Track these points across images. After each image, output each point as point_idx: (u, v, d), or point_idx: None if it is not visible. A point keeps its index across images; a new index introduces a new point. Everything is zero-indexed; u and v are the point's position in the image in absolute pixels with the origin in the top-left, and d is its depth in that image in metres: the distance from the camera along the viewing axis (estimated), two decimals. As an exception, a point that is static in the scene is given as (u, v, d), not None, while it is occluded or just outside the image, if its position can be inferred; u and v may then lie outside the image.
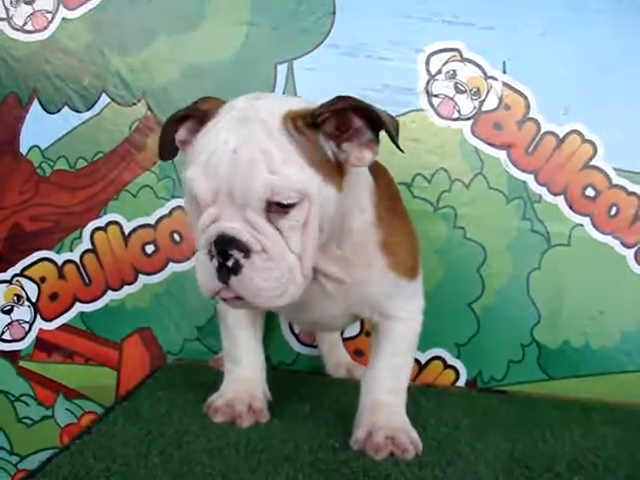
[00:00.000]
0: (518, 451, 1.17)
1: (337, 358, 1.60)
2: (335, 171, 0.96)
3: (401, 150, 0.97)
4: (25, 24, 1.65)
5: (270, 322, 1.50)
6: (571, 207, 1.64)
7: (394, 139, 0.97)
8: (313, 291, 1.05)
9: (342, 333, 1.65)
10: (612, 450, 1.23)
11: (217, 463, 1.01)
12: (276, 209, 0.91)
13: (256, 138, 0.91)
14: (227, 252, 0.90)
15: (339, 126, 0.96)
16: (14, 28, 1.65)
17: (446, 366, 1.67)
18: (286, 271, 0.92)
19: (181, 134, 1.03)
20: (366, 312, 1.17)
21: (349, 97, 0.96)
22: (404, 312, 1.17)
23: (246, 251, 0.90)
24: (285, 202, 0.90)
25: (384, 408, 1.14)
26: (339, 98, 0.97)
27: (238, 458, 1.03)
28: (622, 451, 1.23)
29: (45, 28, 1.65)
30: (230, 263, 0.90)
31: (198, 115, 1.00)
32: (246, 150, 0.90)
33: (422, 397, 1.44)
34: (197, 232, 0.94)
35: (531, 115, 1.64)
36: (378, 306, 1.16)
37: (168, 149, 1.05)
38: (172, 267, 1.66)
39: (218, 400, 1.17)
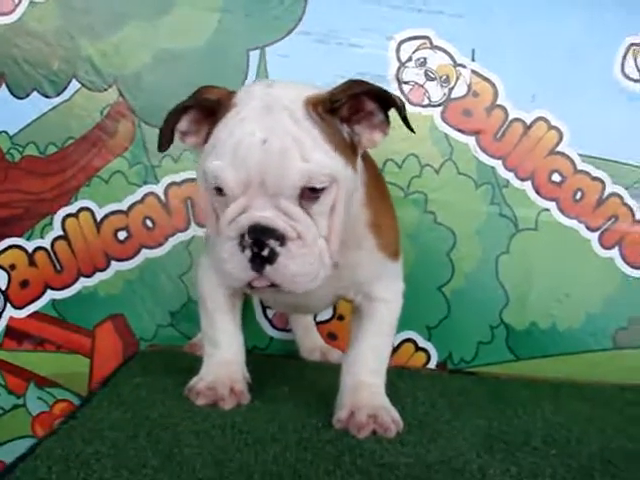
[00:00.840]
0: (494, 428, 1.21)
1: (311, 342, 1.62)
2: (351, 153, 0.99)
3: (412, 130, 1.01)
4: (-10, 7, 1.63)
5: (243, 307, 1.50)
6: (538, 192, 1.68)
7: (406, 119, 1.00)
8: None
9: (315, 317, 1.67)
10: (583, 425, 1.27)
11: (205, 444, 1.01)
12: (308, 195, 0.92)
13: (284, 126, 0.91)
14: (262, 241, 0.89)
15: (351, 109, 0.98)
16: (-20, 11, 1.62)
17: (417, 348, 1.70)
18: (317, 256, 0.94)
19: (183, 125, 1.03)
20: (351, 294, 1.19)
21: (362, 81, 1.00)
22: (387, 293, 1.19)
23: (282, 239, 0.90)
24: (319, 186, 0.91)
25: (366, 388, 1.15)
26: (353, 82, 0.99)
27: (225, 439, 1.04)
28: (592, 426, 1.27)
29: (12, 11, 1.62)
30: (266, 252, 0.90)
31: (207, 105, 1.00)
32: (276, 139, 0.90)
33: (397, 378, 1.46)
34: (221, 224, 0.94)
35: (499, 102, 1.68)
36: (364, 287, 1.17)
37: (167, 140, 1.03)
38: (145, 253, 1.66)
39: (199, 383, 1.18)
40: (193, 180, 1.64)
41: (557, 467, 1.05)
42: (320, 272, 0.95)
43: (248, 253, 0.90)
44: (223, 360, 1.21)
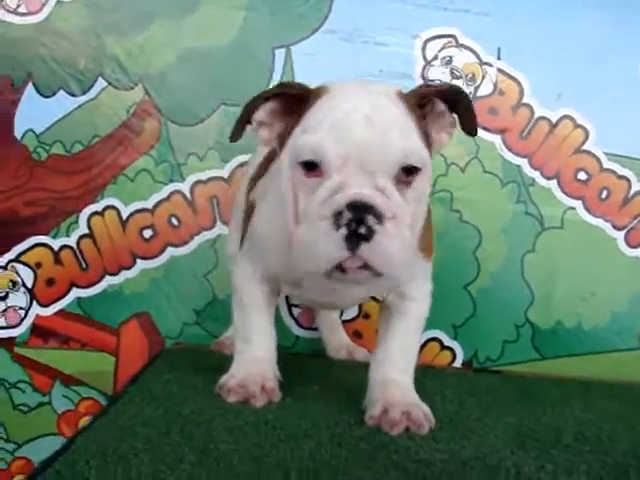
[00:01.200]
0: (525, 426, 1.20)
1: (338, 340, 1.61)
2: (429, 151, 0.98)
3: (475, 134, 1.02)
4: (18, 6, 1.63)
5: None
6: (564, 190, 1.68)
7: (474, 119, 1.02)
8: None
9: (341, 315, 1.67)
10: (613, 423, 1.26)
11: (240, 440, 1.01)
12: (401, 179, 0.91)
13: (386, 106, 0.92)
14: (361, 218, 0.86)
15: (428, 109, 1.00)
16: (7, 10, 1.63)
17: (443, 347, 1.69)
18: (409, 240, 0.92)
19: (260, 115, 1.01)
20: (384, 293, 1.18)
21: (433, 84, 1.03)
22: (418, 293, 1.18)
23: (380, 217, 0.87)
24: (416, 165, 0.91)
25: (397, 385, 1.15)
26: (426, 85, 1.06)
27: (259, 435, 1.04)
28: (622, 424, 1.26)
29: (39, 11, 1.63)
30: (363, 230, 0.86)
31: (296, 93, 0.99)
32: (379, 116, 0.90)
33: (423, 377, 1.46)
34: (312, 204, 0.90)
35: (525, 101, 1.67)
36: (399, 287, 1.16)
37: (241, 129, 1.02)
38: (170, 251, 1.66)
39: (230, 381, 1.17)
40: (219, 179, 1.65)
41: (592, 464, 1.04)
42: (409, 258, 0.93)
43: (344, 231, 0.86)
44: (255, 357, 1.20)
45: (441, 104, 1.00)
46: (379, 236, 0.87)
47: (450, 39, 1.66)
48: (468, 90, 1.66)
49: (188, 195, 1.66)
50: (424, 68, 1.66)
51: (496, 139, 1.67)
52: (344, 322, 1.67)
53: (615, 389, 1.51)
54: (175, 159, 1.65)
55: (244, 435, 1.04)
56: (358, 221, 0.86)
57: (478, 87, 1.67)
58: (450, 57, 1.66)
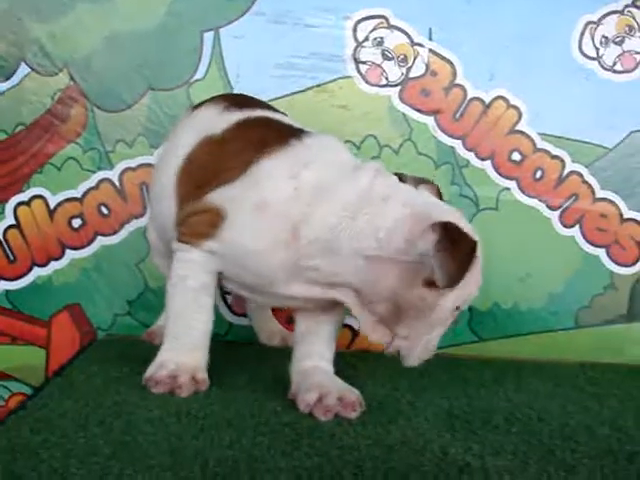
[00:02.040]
0: (456, 407, 1.20)
1: (270, 327, 1.60)
2: None
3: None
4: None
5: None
6: (498, 171, 1.67)
7: None
8: None
9: (274, 302, 1.65)
10: (544, 403, 1.27)
11: (159, 431, 0.99)
12: None
13: None
14: None
15: None
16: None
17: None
18: None
19: None
20: None
21: None
22: None
23: None
24: None
25: (326, 373, 1.16)
26: None
27: (180, 426, 1.02)
28: (553, 404, 1.27)
29: (-44, -6, 1.58)
30: None
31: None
32: None
33: (358, 361, 1.47)
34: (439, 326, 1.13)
35: (457, 81, 1.66)
36: None
37: None
38: (100, 241, 1.63)
39: (160, 371, 1.13)
40: (149, 165, 1.61)
41: (519, 444, 1.04)
42: None
43: None
44: (190, 346, 1.17)
45: None
46: None
47: (381, 20, 1.64)
48: (400, 72, 1.65)
49: (117, 183, 1.62)
50: (355, 49, 1.64)
51: (429, 120, 1.66)
52: (276, 309, 1.64)
53: (549, 369, 1.52)
54: (103, 146, 1.61)
55: (165, 426, 1.01)
56: None
57: (410, 68, 1.65)
58: (381, 38, 1.64)
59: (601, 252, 1.71)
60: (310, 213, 1.04)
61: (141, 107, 1.61)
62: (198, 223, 1.15)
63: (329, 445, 0.99)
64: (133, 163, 1.62)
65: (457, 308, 1.09)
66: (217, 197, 1.12)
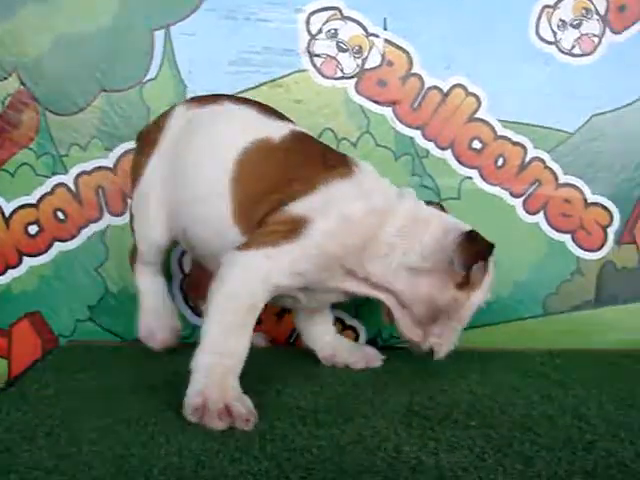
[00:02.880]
0: (417, 403, 1.19)
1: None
2: None
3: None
4: None
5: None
6: (459, 160, 1.65)
7: None
8: None
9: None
10: (508, 394, 1.26)
11: (107, 440, 0.98)
12: None
13: None
14: None
15: None
16: None
17: (345, 327, 1.67)
18: None
19: None
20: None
21: None
22: None
23: None
24: None
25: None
26: None
27: (129, 434, 1.01)
28: (518, 394, 1.26)
29: None
30: None
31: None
32: None
33: None
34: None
35: (414, 71, 1.64)
36: None
37: None
38: (58, 247, 1.60)
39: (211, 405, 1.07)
40: (104, 168, 1.59)
41: (476, 439, 1.03)
42: None
43: None
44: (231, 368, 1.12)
45: None
46: None
47: (334, 11, 1.61)
48: (355, 63, 1.63)
49: (72, 187, 1.59)
50: (309, 43, 1.61)
51: (387, 111, 1.63)
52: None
53: (516, 359, 1.51)
54: (57, 150, 1.58)
55: (114, 434, 1.00)
56: None
57: (365, 59, 1.63)
58: (335, 30, 1.62)
59: (567, 238, 1.69)
60: (376, 234, 1.21)
61: (94, 109, 1.58)
62: (272, 231, 1.18)
63: (280, 448, 0.98)
64: (88, 166, 1.59)
65: None
66: (300, 208, 1.20)
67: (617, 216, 1.70)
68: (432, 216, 1.26)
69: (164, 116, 1.42)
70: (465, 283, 1.23)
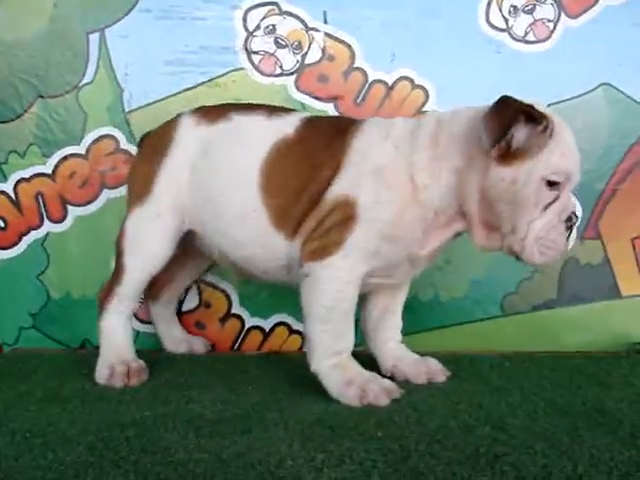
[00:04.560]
0: (330, 412, 1.14)
1: (175, 334, 1.56)
2: None
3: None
4: None
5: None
6: (407, 156, 1.59)
7: None
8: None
9: (181, 307, 1.60)
10: (434, 402, 1.20)
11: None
12: None
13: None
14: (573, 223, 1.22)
15: None
16: None
17: (291, 331, 1.62)
18: None
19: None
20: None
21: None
22: None
23: None
24: None
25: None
26: None
27: (12, 446, 0.99)
28: (444, 403, 1.20)
29: None
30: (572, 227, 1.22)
31: (536, 118, 1.15)
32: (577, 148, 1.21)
33: (263, 362, 1.46)
34: (552, 211, 1.18)
35: (357, 64, 1.59)
36: None
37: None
38: (-1, 255, 1.60)
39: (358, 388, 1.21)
40: (42, 175, 1.58)
41: (373, 452, 0.98)
42: None
43: (569, 232, 1.21)
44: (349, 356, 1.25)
45: None
46: (573, 233, 1.27)
47: (272, 7, 1.57)
48: (295, 59, 1.58)
49: (12, 195, 1.58)
50: (246, 40, 1.58)
51: (329, 107, 1.59)
52: (184, 313, 1.61)
53: (463, 363, 1.44)
54: (-7, 160, 1.58)
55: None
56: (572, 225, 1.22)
57: (305, 55, 1.58)
58: (273, 26, 1.57)
59: (525, 234, 1.61)
60: (415, 160, 1.19)
61: (31, 116, 1.57)
62: (330, 228, 1.21)
63: (156, 461, 0.94)
64: (26, 173, 1.58)
65: (551, 184, 1.16)
66: (338, 190, 1.22)
67: (579, 210, 1.61)
68: (451, 115, 1.24)
69: (170, 127, 1.39)
70: (508, 155, 1.14)
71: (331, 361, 1.22)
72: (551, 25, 1.60)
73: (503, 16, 1.59)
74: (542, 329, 1.63)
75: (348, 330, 1.24)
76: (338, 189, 1.21)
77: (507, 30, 1.60)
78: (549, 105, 1.57)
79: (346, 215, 1.19)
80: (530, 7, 1.59)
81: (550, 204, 1.17)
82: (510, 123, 1.11)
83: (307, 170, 1.25)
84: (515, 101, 1.13)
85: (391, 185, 1.19)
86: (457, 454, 0.97)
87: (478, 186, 1.16)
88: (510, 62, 1.60)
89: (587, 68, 1.60)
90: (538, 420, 1.12)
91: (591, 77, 1.61)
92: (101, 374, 1.30)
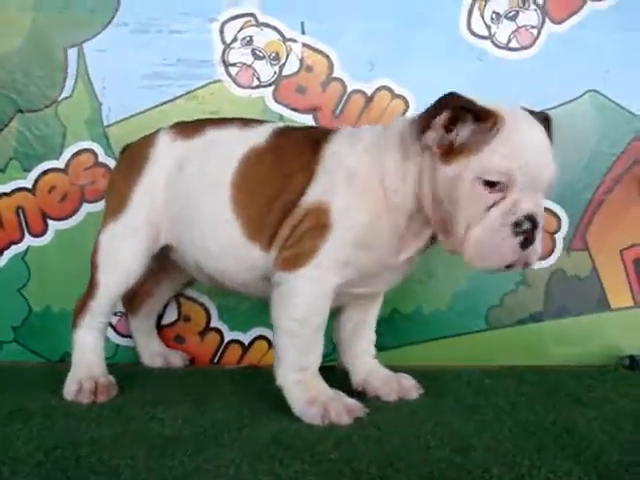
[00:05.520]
0: (291, 431, 1.12)
1: (152, 348, 1.55)
2: None
3: None
4: None
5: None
6: (387, 167, 1.56)
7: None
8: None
9: (160, 321, 1.60)
10: (399, 421, 1.18)
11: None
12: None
13: (543, 135, 1.14)
14: (532, 229, 1.10)
15: None
16: None
17: (271, 345, 1.60)
18: None
19: (440, 120, 1.11)
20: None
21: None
22: None
23: (539, 227, 1.11)
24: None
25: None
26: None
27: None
28: (410, 421, 1.18)
29: None
30: (531, 237, 1.10)
31: (478, 112, 1.11)
32: (545, 146, 1.13)
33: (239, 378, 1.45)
34: (493, 213, 1.10)
35: (335, 75, 1.57)
36: None
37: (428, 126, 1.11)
38: (-19, 269, 1.61)
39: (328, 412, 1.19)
40: (23, 189, 1.58)
41: (321, 475, 0.95)
42: None
43: (521, 238, 1.09)
44: (315, 374, 1.23)
45: None
46: (537, 242, 1.11)
47: (249, 18, 1.56)
48: (272, 70, 1.56)
49: (-7, 209, 1.59)
50: (224, 52, 1.57)
51: (308, 119, 1.57)
52: (163, 327, 1.60)
53: (439, 379, 1.41)
54: (-18, 172, 1.59)
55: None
56: (531, 230, 1.10)
57: (283, 66, 1.56)
58: (250, 37, 1.56)
59: (509, 246, 1.57)
60: (384, 164, 1.18)
61: (11, 130, 1.57)
62: (303, 235, 1.19)
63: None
64: (7, 188, 1.59)
65: (490, 185, 1.10)
66: (311, 197, 1.21)
67: (566, 221, 1.57)
68: (397, 123, 1.24)
69: (148, 143, 1.39)
70: (452, 152, 1.11)
71: (295, 376, 1.20)
72: (535, 31, 1.56)
73: (485, 23, 1.56)
74: (528, 343, 1.59)
75: (316, 345, 1.21)
76: (312, 196, 1.20)
77: (489, 37, 1.56)
78: (534, 113, 1.54)
79: (320, 222, 1.18)
80: (513, 13, 1.56)
81: (492, 206, 1.10)
82: (435, 114, 1.10)
83: (279, 179, 1.24)
84: (456, 97, 1.12)
85: (363, 191, 1.18)
86: (409, 478, 0.95)
87: (430, 187, 1.14)
88: (493, 70, 1.57)
89: (573, 74, 1.57)
90: (503, 441, 1.08)
91: (577, 84, 1.57)
92: (69, 390, 1.30)
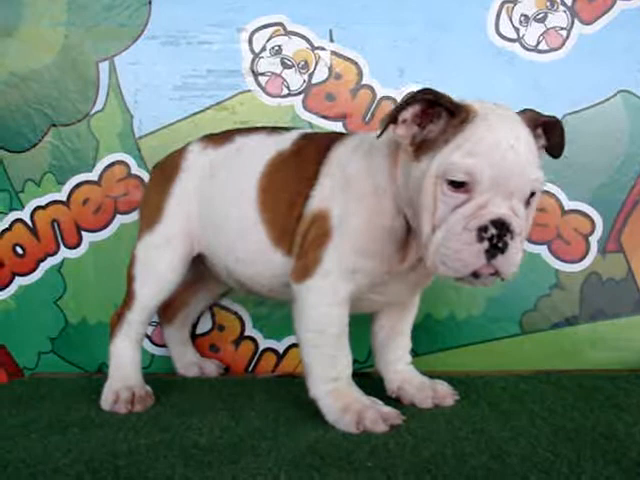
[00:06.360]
0: (326, 440, 1.12)
1: (187, 358, 1.56)
2: None
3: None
4: None
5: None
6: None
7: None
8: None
9: (195, 330, 1.61)
10: (434, 428, 1.16)
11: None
12: (527, 200, 1.05)
13: (523, 135, 1.04)
14: (501, 234, 1.00)
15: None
16: None
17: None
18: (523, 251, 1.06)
19: (407, 113, 1.05)
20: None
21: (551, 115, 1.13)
22: None
23: (512, 234, 1.01)
24: (538, 192, 1.06)
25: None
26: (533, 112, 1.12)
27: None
28: (445, 428, 1.16)
29: None
30: (501, 244, 1.01)
31: (448, 106, 1.04)
32: (521, 146, 1.02)
33: (274, 387, 1.44)
34: (456, 217, 1.02)
35: (365, 82, 1.57)
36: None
37: (391, 121, 1.06)
38: (18, 281, 1.63)
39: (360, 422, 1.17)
40: (58, 202, 1.61)
41: None
42: None
43: (486, 244, 1.01)
44: (348, 380, 1.21)
45: (541, 130, 1.12)
46: (510, 250, 1.02)
47: (277, 27, 1.56)
48: (302, 79, 1.57)
49: (29, 222, 1.62)
50: (253, 62, 1.58)
51: (337, 126, 1.57)
52: (198, 336, 1.61)
53: (475, 385, 1.39)
54: (12, 187, 1.61)
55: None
56: (498, 236, 1.01)
57: (312, 74, 1.57)
58: (279, 46, 1.57)
59: (542, 249, 1.56)
60: (377, 167, 1.15)
61: (45, 144, 1.60)
62: (310, 245, 1.19)
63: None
64: (42, 201, 1.61)
65: (455, 185, 1.02)
66: (315, 204, 1.20)
67: (600, 223, 1.55)
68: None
69: (179, 155, 1.40)
70: (422, 148, 1.06)
71: (327, 387, 1.19)
72: (564, 33, 1.55)
73: (514, 26, 1.55)
74: (563, 347, 1.57)
75: (341, 354, 1.19)
76: (315, 202, 1.20)
77: (518, 40, 1.55)
78: (565, 115, 1.53)
79: (322, 230, 1.17)
80: (542, 15, 1.54)
81: (456, 208, 1.03)
82: (401, 107, 1.04)
83: (296, 183, 1.23)
84: (427, 91, 1.05)
85: (358, 195, 1.15)
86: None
87: (404, 187, 1.11)
88: (523, 72, 1.56)
89: (604, 75, 1.55)
90: (540, 448, 1.07)
91: (608, 84, 1.55)
92: (106, 400, 1.31)
